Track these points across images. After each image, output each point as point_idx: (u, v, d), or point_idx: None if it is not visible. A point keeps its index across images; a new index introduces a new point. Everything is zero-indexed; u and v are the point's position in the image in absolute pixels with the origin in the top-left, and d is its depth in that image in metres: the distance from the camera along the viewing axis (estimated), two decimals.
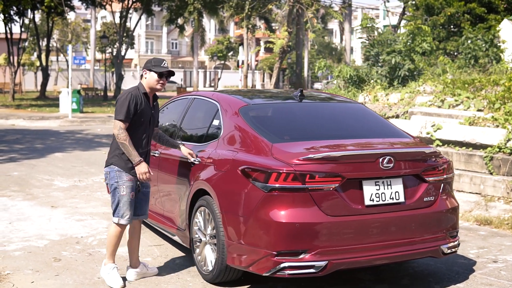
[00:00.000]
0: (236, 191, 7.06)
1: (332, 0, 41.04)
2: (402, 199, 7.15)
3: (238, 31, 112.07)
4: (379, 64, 25.11)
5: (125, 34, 59.79)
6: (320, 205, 6.70)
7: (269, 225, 6.68)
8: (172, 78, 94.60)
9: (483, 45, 26.23)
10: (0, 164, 17.60)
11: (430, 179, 7.36)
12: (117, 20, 61.69)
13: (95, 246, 9.22)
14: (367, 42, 26.50)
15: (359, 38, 28.07)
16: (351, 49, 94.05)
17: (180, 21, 69.96)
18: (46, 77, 58.21)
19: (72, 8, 55.06)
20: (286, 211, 6.65)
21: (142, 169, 7.42)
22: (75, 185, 14.40)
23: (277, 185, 6.64)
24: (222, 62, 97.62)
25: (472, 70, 23.59)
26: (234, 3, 50.80)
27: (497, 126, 13.73)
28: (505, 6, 34.88)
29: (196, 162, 7.97)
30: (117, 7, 64.47)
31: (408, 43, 24.04)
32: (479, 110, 15.20)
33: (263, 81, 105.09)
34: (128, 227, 7.83)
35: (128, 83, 71.48)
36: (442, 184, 7.52)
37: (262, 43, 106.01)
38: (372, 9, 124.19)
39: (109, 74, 72.79)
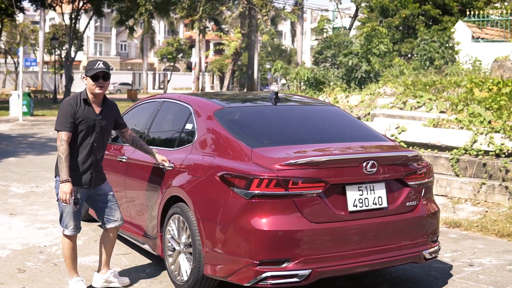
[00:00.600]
0: (214, 198, 6.77)
1: (285, 1, 40.89)
2: (385, 204, 6.93)
3: (188, 33, 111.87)
4: (336, 66, 25.01)
5: (74, 36, 58.95)
6: (303, 212, 6.44)
7: (250, 233, 6.40)
8: (125, 80, 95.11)
9: (438, 46, 26.30)
10: None
11: (412, 183, 7.16)
12: (67, 22, 60.84)
13: (60, 256, 8.81)
14: (323, 43, 26.33)
15: (316, 39, 27.91)
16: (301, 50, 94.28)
17: (130, 22, 69.35)
18: None
19: (22, 10, 54.17)
20: (268, 219, 6.38)
21: (64, 188, 7.03)
22: (33, 191, 13.96)
23: (259, 192, 6.35)
24: (172, 64, 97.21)
25: (428, 72, 23.59)
26: (187, 4, 50.32)
27: (462, 127, 13.66)
28: (459, 8, 35.12)
29: (169, 168, 7.67)
30: (66, 8, 63.63)
31: (365, 45, 23.92)
32: (441, 112, 15.14)
33: (213, 83, 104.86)
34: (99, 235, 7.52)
35: (78, 85, 70.65)
36: (424, 188, 7.33)
37: (212, 45, 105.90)
38: (321, 10, 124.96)
39: (58, 76, 71.80)
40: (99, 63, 7.27)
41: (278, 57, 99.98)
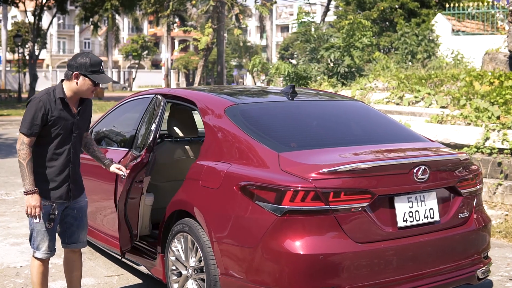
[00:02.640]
0: (234, 214, 5.56)
1: None
2: (436, 218, 5.78)
3: (152, 30, 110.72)
4: (315, 60, 24.02)
5: (38, 34, 57.41)
6: (347, 230, 5.26)
7: (283, 258, 5.19)
8: None
9: (419, 40, 25.54)
10: None
11: (465, 191, 6.00)
12: (30, 19, 59.36)
13: None
14: (303, 37, 25.24)
15: (294, 33, 26.86)
16: (264, 47, 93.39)
17: (94, 19, 67.96)
18: None
19: None
20: (305, 240, 5.18)
21: (31, 201, 5.81)
22: (3, 199, 12.61)
23: (293, 207, 5.15)
24: (137, 61, 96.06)
25: (410, 66, 22.82)
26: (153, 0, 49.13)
27: (469, 124, 12.69)
28: (436, 0, 34.23)
29: (123, 177, 6.52)
30: (29, 5, 62.15)
31: (347, 39, 22.94)
32: (442, 107, 14.19)
33: (178, 80, 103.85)
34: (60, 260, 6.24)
35: (42, 84, 69.12)
36: (475, 197, 6.18)
37: (176, 42, 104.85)
38: (286, 7, 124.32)
39: (22, 75, 70.07)
40: (102, 65, 6.02)
41: (244, 54, 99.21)
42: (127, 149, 7.41)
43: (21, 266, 8.16)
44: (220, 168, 5.86)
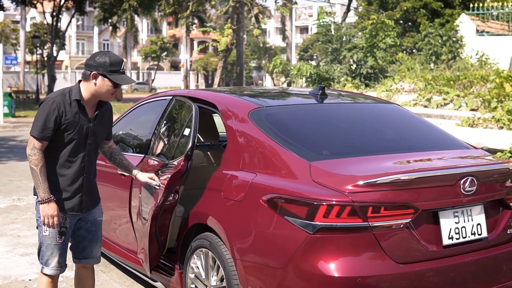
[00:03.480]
0: (260, 231, 4.98)
1: None
2: (484, 234, 5.19)
3: (171, 31, 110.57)
4: (337, 61, 23.52)
5: (56, 35, 57.13)
6: (387, 249, 4.68)
7: (316, 280, 4.61)
8: None
9: (442, 40, 24.98)
10: None
11: None
12: (48, 21, 59.13)
13: None
14: (324, 37, 24.71)
15: (316, 33, 26.33)
16: (285, 48, 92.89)
17: (113, 20, 67.68)
18: None
19: (2, 8, 52.40)
20: (340, 261, 4.60)
21: (48, 210, 5.27)
22: (15, 205, 12.10)
23: (327, 224, 4.58)
24: (156, 62, 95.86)
25: (435, 67, 22.28)
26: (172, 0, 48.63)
27: (501, 127, 12.10)
28: (460, 0, 33.60)
29: (156, 187, 5.93)
30: (47, 6, 61.95)
31: (371, 39, 22.42)
32: (472, 110, 13.62)
33: (197, 81, 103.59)
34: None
35: (60, 85, 68.86)
36: None
37: (195, 43, 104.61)
38: (305, 8, 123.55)
39: (40, 76, 69.88)
40: (123, 65, 5.48)
41: (263, 55, 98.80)
42: (142, 155, 6.88)
43: (30, 280, 7.65)
44: (244, 178, 5.28)
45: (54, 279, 5.60)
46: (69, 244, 5.72)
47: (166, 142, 6.78)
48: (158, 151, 6.74)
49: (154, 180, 5.91)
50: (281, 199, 4.82)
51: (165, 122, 6.83)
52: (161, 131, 6.83)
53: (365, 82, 21.65)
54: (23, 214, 11.23)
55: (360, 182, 4.63)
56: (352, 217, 4.57)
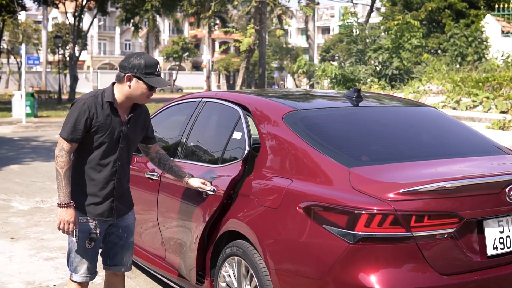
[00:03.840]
0: (297, 239, 4.76)
1: None
2: None
3: (193, 32, 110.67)
4: (362, 62, 23.29)
5: (78, 35, 57.18)
6: (430, 260, 4.45)
7: None
8: None
9: (468, 41, 24.72)
10: None
11: None
12: (70, 20, 59.24)
13: None
14: (349, 38, 24.46)
15: (340, 33, 26.10)
16: (307, 48, 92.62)
17: (135, 20, 67.68)
18: None
19: (24, 7, 52.50)
20: (382, 272, 4.38)
21: (65, 215, 5.08)
22: (38, 207, 11.95)
23: (368, 233, 4.36)
24: (178, 63, 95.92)
25: (461, 68, 22.03)
26: (195, 0, 48.45)
27: None
28: (485, 1, 33.28)
29: (211, 193, 5.72)
30: (69, 6, 62.05)
31: (396, 39, 22.17)
32: (502, 112, 13.35)
33: (219, 82, 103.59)
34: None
35: (82, 85, 69.01)
36: None
37: (217, 44, 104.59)
38: (327, 8, 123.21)
39: (62, 76, 69.98)
40: (159, 68, 5.29)
41: (285, 56, 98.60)
42: (171, 159, 6.70)
43: (54, 285, 7.47)
44: (279, 185, 5.07)
45: (83, 286, 5.43)
46: (100, 250, 5.55)
47: (203, 146, 6.60)
48: (191, 154, 6.55)
49: (206, 185, 5.74)
50: (319, 207, 4.62)
51: (197, 125, 6.63)
52: (194, 134, 6.63)
53: (391, 84, 21.41)
54: (47, 217, 11.09)
55: (402, 190, 4.41)
56: (394, 226, 4.36)
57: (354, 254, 4.40)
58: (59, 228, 5.17)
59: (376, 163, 4.96)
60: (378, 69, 22.49)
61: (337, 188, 4.67)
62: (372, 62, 22.95)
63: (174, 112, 7.53)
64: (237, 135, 5.90)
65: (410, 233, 4.37)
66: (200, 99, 6.84)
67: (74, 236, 5.22)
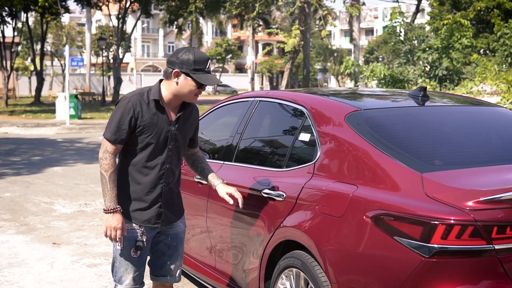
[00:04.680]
0: (364, 252, 4.32)
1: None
2: None
3: (236, 34, 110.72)
4: (411, 63, 22.76)
5: (122, 37, 57.27)
6: None
7: None
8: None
9: None
10: None
11: None
12: (114, 23, 59.42)
13: None
14: (397, 38, 23.92)
15: (389, 34, 25.54)
16: (351, 50, 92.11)
17: (178, 22, 67.67)
18: (40, 81, 55.97)
19: (67, 10, 52.72)
20: None
21: (112, 221, 4.75)
22: (81, 211, 11.64)
23: (445, 246, 3.91)
24: (221, 65, 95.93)
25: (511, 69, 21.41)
26: (238, 1, 48.08)
27: None
28: None
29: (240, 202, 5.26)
30: (113, 8, 62.27)
31: (446, 39, 21.61)
32: None
33: (262, 84, 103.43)
34: None
35: (126, 87, 69.11)
36: None
37: (260, 45, 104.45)
38: (370, 10, 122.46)
39: (106, 78, 70.23)
40: (209, 64, 4.86)
41: (328, 57, 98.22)
42: (221, 162, 6.31)
43: None
44: (343, 191, 4.61)
45: None
46: (148, 258, 5.17)
47: (261, 148, 6.20)
48: (247, 157, 6.15)
49: (231, 197, 5.27)
50: (389, 216, 4.17)
51: (251, 126, 6.22)
52: (248, 136, 6.22)
53: (444, 84, 20.87)
54: (90, 221, 10.75)
55: (483, 198, 3.95)
56: (474, 238, 3.90)
57: (429, 269, 3.96)
58: (106, 235, 4.81)
59: (450, 168, 4.48)
60: (427, 69, 21.94)
61: (409, 195, 4.21)
62: (421, 63, 22.41)
63: (223, 113, 7.12)
64: (304, 136, 5.43)
65: (491, 245, 3.92)
66: (252, 99, 6.41)
67: (119, 245, 4.86)
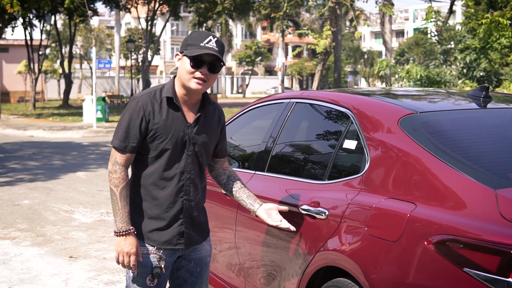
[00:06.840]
0: (424, 284, 3.55)
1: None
2: None
3: (265, 36, 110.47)
4: (448, 64, 21.96)
5: (151, 40, 56.90)
6: None
7: None
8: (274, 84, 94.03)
9: None
10: (8, 188, 14.13)
11: None
12: (142, 25, 59.13)
13: None
14: (432, 38, 23.15)
15: (425, 34, 24.80)
16: (381, 52, 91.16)
17: (207, 24, 67.25)
18: (69, 84, 55.72)
19: (96, 12, 52.34)
20: None
21: (124, 246, 4.02)
22: (102, 220, 10.96)
23: None
24: (250, 67, 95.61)
25: None
26: (268, 2, 47.39)
27: None
28: None
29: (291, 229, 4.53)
30: (142, 11, 61.97)
31: (484, 39, 20.81)
32: None
33: (292, 86, 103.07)
34: None
35: None
36: None
37: (290, 48, 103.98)
38: (401, 11, 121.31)
39: (135, 81, 69.88)
40: (210, 39, 4.00)
41: (358, 60, 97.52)
42: (252, 172, 5.57)
43: None
44: (399, 210, 3.83)
45: None
46: (167, 285, 4.43)
47: (297, 156, 5.47)
48: (281, 166, 5.41)
49: (275, 220, 4.50)
50: (457, 242, 3.40)
51: (286, 130, 5.46)
52: (283, 142, 5.48)
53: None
54: (111, 231, 10.02)
55: None
56: None
57: None
58: (118, 262, 4.08)
59: None
60: (464, 70, 21.14)
61: (481, 217, 3.44)
62: (458, 63, 21.61)
63: (254, 116, 6.36)
64: (349, 143, 4.66)
65: None
66: (288, 100, 5.65)
67: (133, 272, 4.14)
